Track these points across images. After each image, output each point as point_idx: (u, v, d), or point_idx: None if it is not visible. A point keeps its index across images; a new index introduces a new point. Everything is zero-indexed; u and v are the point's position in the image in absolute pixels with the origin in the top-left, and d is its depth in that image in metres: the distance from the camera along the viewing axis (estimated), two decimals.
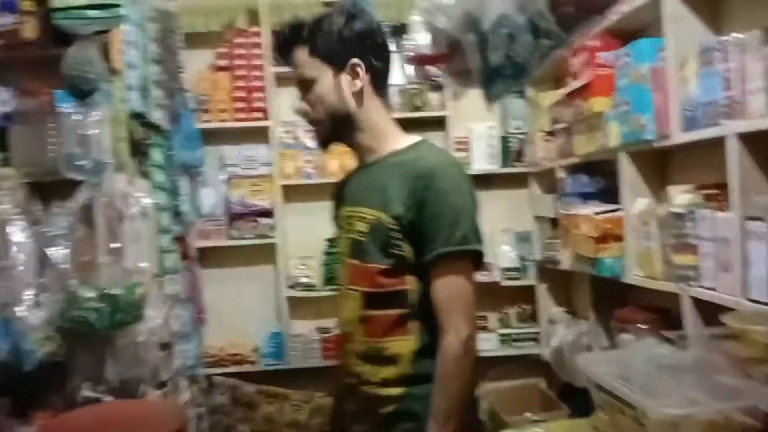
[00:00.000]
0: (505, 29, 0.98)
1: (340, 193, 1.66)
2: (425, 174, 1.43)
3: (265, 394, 3.16)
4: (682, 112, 1.85)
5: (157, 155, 2.58)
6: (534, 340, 3.33)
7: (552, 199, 2.97)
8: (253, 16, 3.28)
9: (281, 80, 3.32)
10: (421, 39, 2.95)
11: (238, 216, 3.24)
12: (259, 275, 3.39)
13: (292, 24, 1.51)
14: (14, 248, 1.83)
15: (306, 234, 3.34)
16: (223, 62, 3.30)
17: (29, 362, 1.82)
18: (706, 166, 1.99)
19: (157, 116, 2.53)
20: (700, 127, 1.76)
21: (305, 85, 1.52)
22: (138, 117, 2.34)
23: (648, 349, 1.26)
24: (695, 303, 1.83)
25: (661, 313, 2.12)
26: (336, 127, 1.53)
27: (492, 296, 3.39)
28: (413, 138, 1.56)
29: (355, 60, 1.47)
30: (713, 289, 1.71)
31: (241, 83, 3.26)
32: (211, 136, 3.27)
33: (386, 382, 1.47)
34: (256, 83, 3.25)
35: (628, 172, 2.21)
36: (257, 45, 3.27)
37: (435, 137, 3.35)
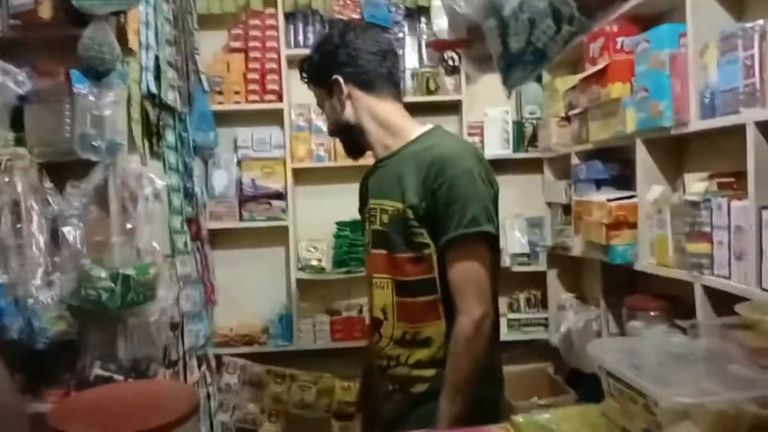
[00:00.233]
0: (526, 14, 0.96)
1: (364, 189, 1.74)
2: (436, 161, 1.49)
3: (274, 375, 3.18)
4: (701, 99, 1.83)
5: (170, 136, 2.59)
6: (542, 325, 3.33)
7: (565, 185, 2.95)
8: None
9: (295, 63, 3.30)
10: (440, 23, 2.95)
11: (249, 198, 3.25)
12: (270, 257, 3.40)
13: (301, 60, 1.75)
14: (28, 228, 1.85)
15: (316, 217, 3.34)
16: (237, 44, 3.29)
17: (42, 340, 1.85)
18: (723, 154, 1.97)
19: (171, 97, 2.54)
20: (719, 114, 1.74)
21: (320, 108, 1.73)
22: (152, 98, 2.34)
23: (659, 337, 1.26)
24: (707, 291, 1.82)
25: (672, 301, 2.11)
26: (350, 137, 1.68)
27: (502, 281, 3.37)
28: (426, 126, 1.63)
29: (333, 77, 1.61)
30: (727, 278, 1.70)
31: (255, 65, 3.25)
32: (225, 118, 3.27)
33: (419, 364, 1.55)
34: (271, 65, 3.24)
35: (643, 159, 2.19)
36: (272, 27, 3.24)
37: (449, 122, 3.33)
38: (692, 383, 0.96)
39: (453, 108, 3.35)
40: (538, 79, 3.25)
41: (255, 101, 3.24)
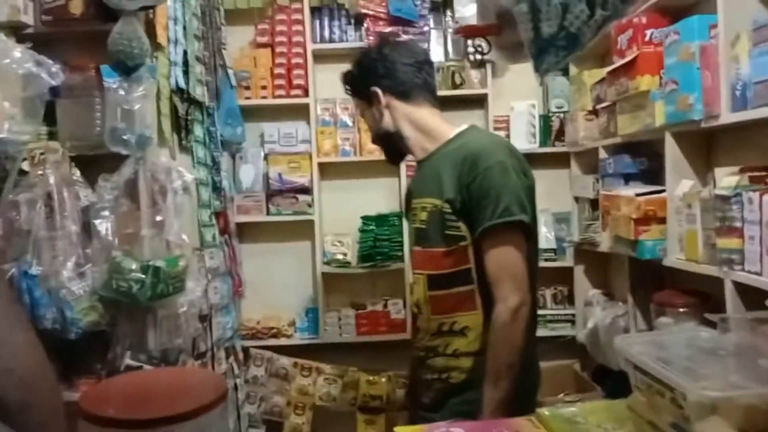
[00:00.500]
0: None
1: (409, 192, 1.86)
2: (469, 156, 1.58)
3: (300, 367, 3.21)
4: (732, 91, 1.79)
5: (198, 131, 2.62)
6: (569, 321, 3.30)
7: (592, 180, 2.92)
8: None
9: (321, 57, 3.32)
10: (466, 12, 2.93)
11: (276, 192, 3.27)
12: (297, 251, 3.42)
13: (343, 74, 1.86)
14: (61, 220, 1.89)
15: (342, 211, 3.35)
16: (263, 39, 3.31)
17: (74, 330, 1.88)
18: (754, 148, 1.93)
19: (199, 92, 2.57)
20: (751, 107, 1.70)
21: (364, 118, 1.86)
22: (180, 92, 2.37)
23: (688, 331, 1.24)
24: (738, 288, 1.79)
25: (701, 297, 2.08)
26: (390, 144, 1.79)
27: None
28: (462, 126, 1.74)
29: (372, 89, 1.73)
30: (758, 274, 1.67)
31: (281, 60, 3.27)
32: (252, 113, 3.30)
33: (457, 354, 1.62)
34: (297, 60, 3.26)
35: (673, 153, 2.16)
36: (298, 22, 3.26)
37: (474, 116, 3.32)
38: (721, 377, 0.95)
39: (479, 102, 3.34)
40: (565, 72, 3.22)
41: (281, 96, 3.27)
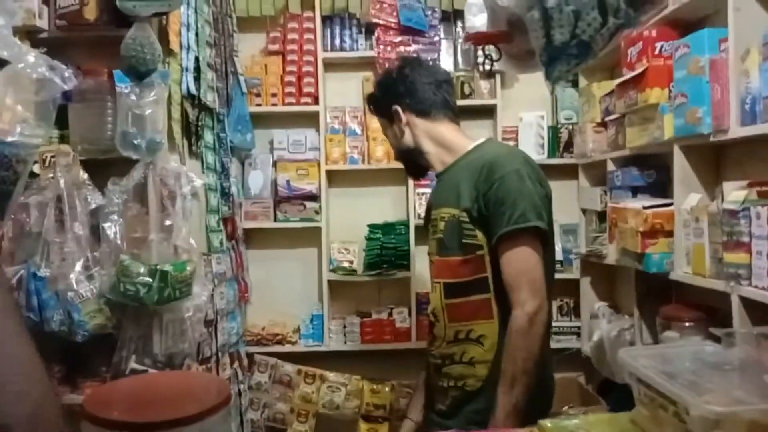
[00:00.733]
0: (571, 6, 0.95)
1: (429, 204, 1.90)
2: (486, 165, 1.62)
3: (304, 374, 3.21)
4: (741, 105, 1.79)
5: (208, 137, 2.64)
6: (575, 334, 3.29)
7: (600, 192, 2.91)
8: (307, 1, 3.29)
9: (331, 66, 3.34)
10: (477, 21, 2.94)
11: (284, 199, 3.28)
12: (303, 258, 3.43)
13: (367, 95, 1.98)
14: (70, 223, 1.90)
15: (349, 219, 3.36)
16: (275, 47, 3.33)
17: (81, 333, 1.90)
18: (763, 162, 1.93)
19: (210, 98, 2.58)
20: (760, 121, 1.70)
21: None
22: (191, 98, 2.39)
23: (693, 345, 1.24)
24: (745, 303, 1.78)
25: (708, 312, 2.07)
26: (411, 159, 1.85)
27: None
28: (479, 140, 1.79)
29: (393, 107, 1.80)
30: (765, 289, 1.66)
31: (292, 68, 3.28)
32: (261, 120, 3.32)
33: (473, 362, 1.64)
34: (307, 68, 3.27)
35: (681, 167, 2.16)
36: (309, 30, 3.28)
37: (483, 126, 3.33)
38: (725, 392, 0.95)
39: (488, 112, 3.35)
40: (575, 84, 3.22)
41: (291, 103, 3.28)
